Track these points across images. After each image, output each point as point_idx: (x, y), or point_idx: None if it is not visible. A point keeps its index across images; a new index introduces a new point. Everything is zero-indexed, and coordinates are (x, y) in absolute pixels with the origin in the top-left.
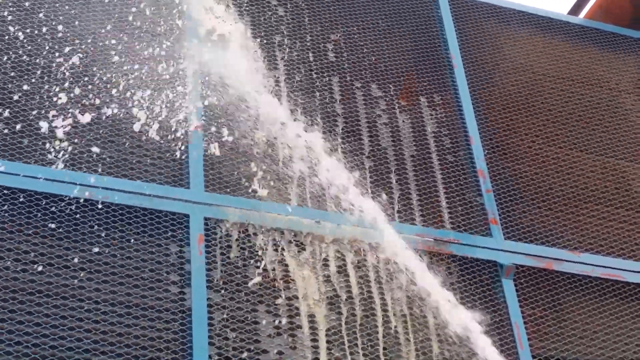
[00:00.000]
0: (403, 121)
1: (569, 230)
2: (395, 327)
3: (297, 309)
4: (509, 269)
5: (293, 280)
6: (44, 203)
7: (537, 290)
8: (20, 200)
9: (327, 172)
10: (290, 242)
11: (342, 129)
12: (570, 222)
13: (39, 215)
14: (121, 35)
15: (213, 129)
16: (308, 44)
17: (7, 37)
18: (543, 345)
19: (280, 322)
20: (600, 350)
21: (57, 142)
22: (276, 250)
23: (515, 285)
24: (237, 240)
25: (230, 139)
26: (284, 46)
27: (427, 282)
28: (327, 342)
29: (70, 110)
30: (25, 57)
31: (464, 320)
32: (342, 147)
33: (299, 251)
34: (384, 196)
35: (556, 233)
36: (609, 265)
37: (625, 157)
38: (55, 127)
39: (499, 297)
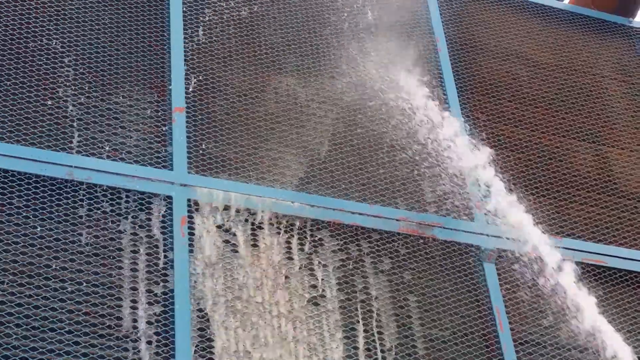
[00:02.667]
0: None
1: (551, 215)
2: None
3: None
4: (491, 253)
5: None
6: (25, 183)
7: (518, 274)
8: (1, 179)
9: None
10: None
11: None
12: (552, 207)
13: (23, 195)
14: None
15: None
16: None
17: None
18: (524, 329)
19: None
20: (581, 334)
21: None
22: (254, 229)
23: (497, 269)
24: (221, 222)
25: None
26: None
27: None
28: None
29: None
30: None
31: None
32: None
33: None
34: (363, 179)
35: (539, 218)
36: (591, 250)
37: (608, 143)
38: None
39: (481, 281)
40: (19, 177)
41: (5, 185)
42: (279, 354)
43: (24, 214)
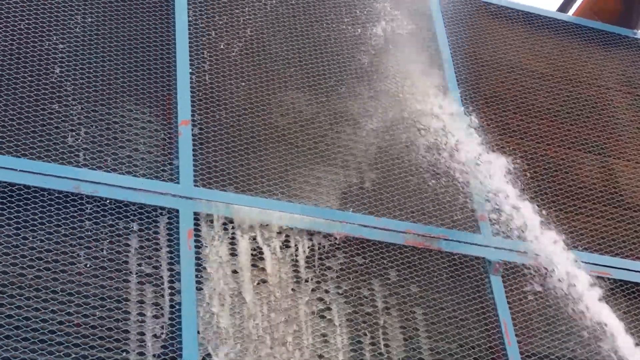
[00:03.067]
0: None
1: (557, 227)
2: None
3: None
4: (497, 265)
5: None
6: (32, 197)
7: (525, 286)
8: (8, 193)
9: None
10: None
11: None
12: (558, 219)
13: (24, 208)
14: None
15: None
16: None
17: None
18: (531, 342)
19: (269, 317)
20: (588, 347)
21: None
22: (259, 245)
23: (504, 281)
24: (227, 235)
25: None
26: None
27: None
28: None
29: None
30: None
31: None
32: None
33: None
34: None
35: (546, 231)
36: (597, 263)
37: (614, 155)
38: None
39: (487, 294)
40: (26, 190)
41: (12, 199)
42: None
43: (30, 227)
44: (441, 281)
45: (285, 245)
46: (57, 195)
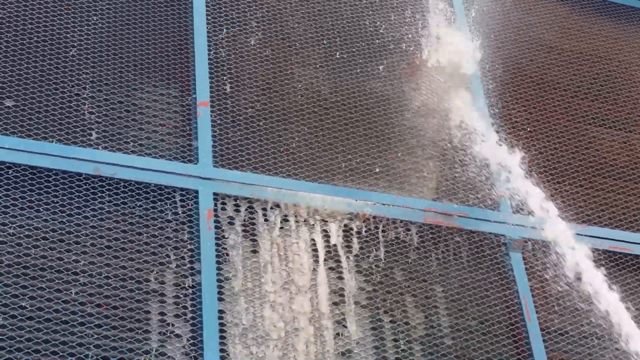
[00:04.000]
0: (410, 93)
1: (577, 203)
2: None
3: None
4: (517, 242)
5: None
6: (53, 179)
7: (545, 263)
8: (29, 175)
9: None
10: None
11: None
12: (579, 195)
13: (51, 191)
14: None
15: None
16: None
17: None
18: (551, 318)
19: (290, 297)
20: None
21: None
22: (276, 224)
23: (524, 258)
24: (246, 215)
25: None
26: None
27: None
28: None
29: None
30: None
31: None
32: None
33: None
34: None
35: (564, 206)
36: (619, 238)
37: (635, 130)
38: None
39: (508, 271)
40: (47, 173)
41: (33, 182)
42: (305, 339)
43: (52, 210)
44: (461, 259)
45: (304, 224)
46: (77, 177)
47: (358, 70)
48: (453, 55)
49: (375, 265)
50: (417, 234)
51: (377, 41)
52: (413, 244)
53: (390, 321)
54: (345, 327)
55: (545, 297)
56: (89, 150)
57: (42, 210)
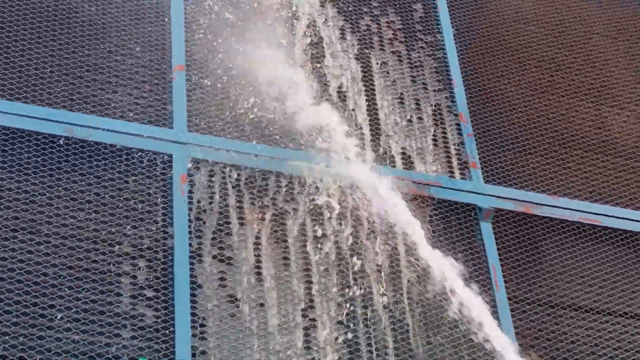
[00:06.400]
0: (385, 61)
1: (548, 174)
2: None
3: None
4: (487, 212)
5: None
6: (26, 140)
7: (515, 233)
8: (1, 136)
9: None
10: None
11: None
12: (549, 167)
13: (24, 152)
14: None
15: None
16: None
17: None
18: (519, 288)
19: (260, 264)
20: (575, 293)
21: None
22: (255, 190)
23: (494, 228)
24: (220, 180)
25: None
26: None
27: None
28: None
29: None
30: None
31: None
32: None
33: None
34: (365, 137)
35: (535, 177)
36: (587, 210)
37: (606, 103)
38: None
39: (478, 240)
40: (20, 134)
41: (6, 143)
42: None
43: (25, 171)
44: (432, 226)
45: (271, 187)
46: (50, 139)
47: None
48: None
49: (340, 230)
50: None
51: None
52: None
53: (359, 287)
54: (318, 293)
55: (514, 266)
56: (63, 112)
57: (14, 171)
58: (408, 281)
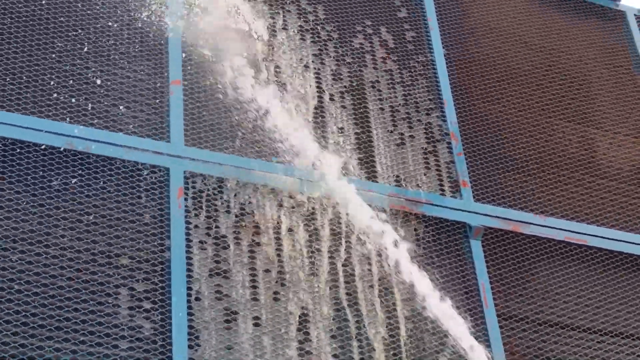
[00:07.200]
0: (377, 79)
1: (536, 194)
2: None
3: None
4: (477, 230)
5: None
6: (26, 152)
7: (504, 251)
8: (1, 147)
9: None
10: (268, 197)
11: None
12: (537, 187)
13: (23, 164)
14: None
15: None
16: None
17: None
18: (507, 305)
19: (253, 274)
20: (562, 311)
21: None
22: (255, 205)
23: (483, 246)
24: (215, 194)
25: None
26: None
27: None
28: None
29: None
30: None
31: None
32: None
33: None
34: (356, 156)
35: (524, 197)
36: (574, 230)
37: (592, 124)
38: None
39: (467, 258)
40: (20, 145)
41: (5, 154)
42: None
43: (24, 182)
44: (423, 244)
45: (271, 203)
46: (49, 151)
47: None
48: None
49: (335, 245)
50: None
51: None
52: None
53: (348, 306)
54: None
55: (503, 284)
56: (63, 124)
57: (14, 182)
58: None
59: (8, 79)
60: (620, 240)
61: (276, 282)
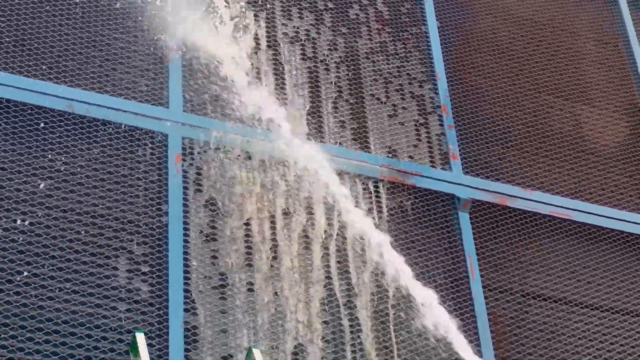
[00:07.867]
0: (371, 50)
1: (523, 168)
2: None
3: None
4: (465, 202)
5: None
6: (28, 113)
7: (491, 224)
8: (3, 108)
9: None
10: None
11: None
12: (525, 161)
13: (25, 125)
14: None
15: None
16: None
17: None
18: (493, 277)
19: (249, 243)
20: (545, 283)
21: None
22: (251, 172)
23: (471, 218)
24: (213, 160)
25: None
26: None
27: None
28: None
29: None
30: None
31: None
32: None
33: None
34: (348, 127)
35: (512, 170)
36: (559, 204)
37: (581, 100)
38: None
39: (455, 229)
40: (21, 107)
41: (8, 115)
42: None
43: (26, 144)
44: (411, 215)
45: (264, 168)
46: (50, 113)
47: None
48: None
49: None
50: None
51: None
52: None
53: (338, 272)
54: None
55: (489, 256)
56: (63, 87)
57: (16, 144)
58: None
59: (10, 42)
60: (605, 216)
61: (270, 249)
